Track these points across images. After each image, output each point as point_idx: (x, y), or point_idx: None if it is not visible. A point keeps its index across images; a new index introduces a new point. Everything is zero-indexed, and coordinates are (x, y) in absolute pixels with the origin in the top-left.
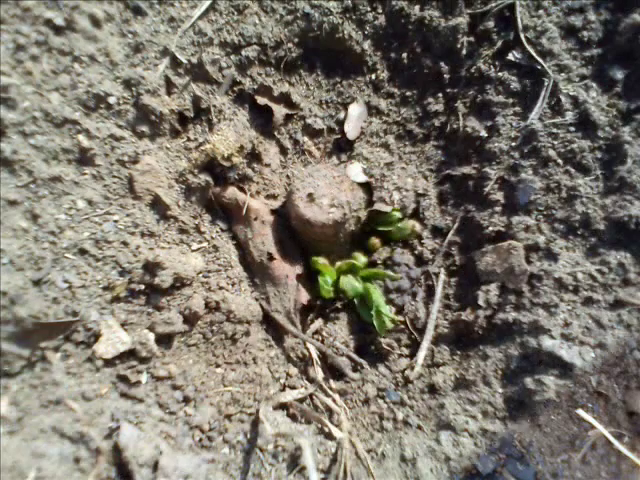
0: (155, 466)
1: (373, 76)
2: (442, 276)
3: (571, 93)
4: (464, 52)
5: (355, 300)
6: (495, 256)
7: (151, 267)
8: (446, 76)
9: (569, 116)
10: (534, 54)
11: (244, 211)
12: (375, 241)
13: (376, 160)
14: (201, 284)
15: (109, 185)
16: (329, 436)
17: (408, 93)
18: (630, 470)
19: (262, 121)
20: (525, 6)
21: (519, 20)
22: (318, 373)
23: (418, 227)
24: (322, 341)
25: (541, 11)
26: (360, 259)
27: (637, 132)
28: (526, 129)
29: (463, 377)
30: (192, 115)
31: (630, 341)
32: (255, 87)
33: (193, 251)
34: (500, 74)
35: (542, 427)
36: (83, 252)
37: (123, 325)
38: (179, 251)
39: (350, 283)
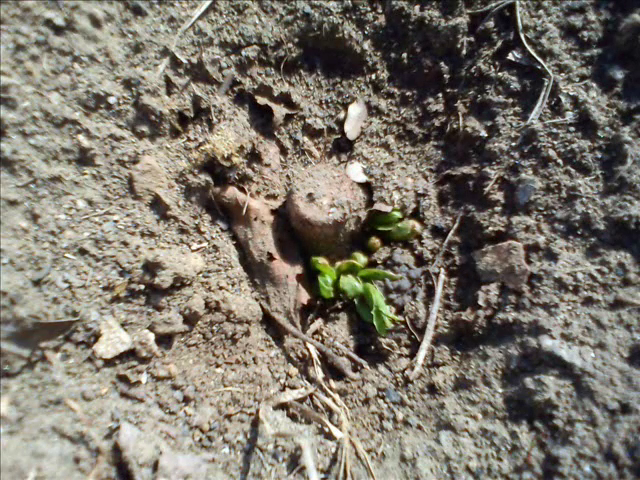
0: (155, 466)
1: (373, 76)
2: (442, 276)
3: (571, 93)
4: (464, 52)
5: (355, 300)
6: (495, 256)
7: (151, 267)
8: (446, 76)
9: (569, 116)
10: (534, 54)
11: (244, 211)
12: (375, 241)
13: (376, 160)
14: (201, 284)
15: (109, 185)
16: (329, 436)
17: (408, 93)
18: None
19: (262, 121)
20: (525, 6)
21: (519, 20)
22: (318, 373)
23: (418, 227)
24: (322, 341)
25: (541, 11)
26: (360, 259)
27: (637, 132)
28: (526, 129)
29: (463, 377)
30: (192, 115)
31: None
32: (255, 87)
33: (193, 251)
34: (500, 74)
35: None
36: (83, 252)
37: (123, 325)
38: (179, 251)
39: (350, 283)
